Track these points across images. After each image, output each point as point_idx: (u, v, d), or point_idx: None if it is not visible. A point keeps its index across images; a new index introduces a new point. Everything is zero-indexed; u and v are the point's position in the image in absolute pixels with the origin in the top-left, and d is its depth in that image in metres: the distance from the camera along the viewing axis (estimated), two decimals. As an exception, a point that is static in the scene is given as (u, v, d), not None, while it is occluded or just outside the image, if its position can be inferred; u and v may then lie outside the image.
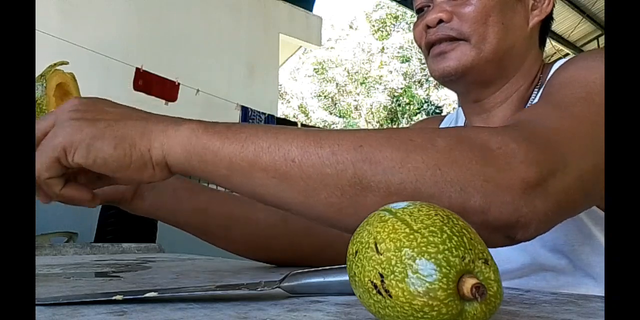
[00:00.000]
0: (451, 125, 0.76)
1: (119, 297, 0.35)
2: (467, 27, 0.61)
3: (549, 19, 0.67)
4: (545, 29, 0.67)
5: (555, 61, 0.64)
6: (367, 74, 16.27)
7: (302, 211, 0.40)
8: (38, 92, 0.53)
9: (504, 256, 0.57)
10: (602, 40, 7.15)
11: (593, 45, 7.31)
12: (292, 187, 0.38)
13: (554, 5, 0.66)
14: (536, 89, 0.65)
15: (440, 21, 0.62)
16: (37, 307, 0.33)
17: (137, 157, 0.40)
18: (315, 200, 0.38)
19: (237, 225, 0.63)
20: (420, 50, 0.69)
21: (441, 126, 0.76)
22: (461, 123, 0.74)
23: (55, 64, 0.56)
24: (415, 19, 0.69)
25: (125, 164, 0.40)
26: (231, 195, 0.63)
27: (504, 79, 0.64)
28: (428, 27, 0.63)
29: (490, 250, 0.58)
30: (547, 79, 0.58)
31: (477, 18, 0.60)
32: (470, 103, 0.68)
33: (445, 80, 0.64)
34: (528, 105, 0.64)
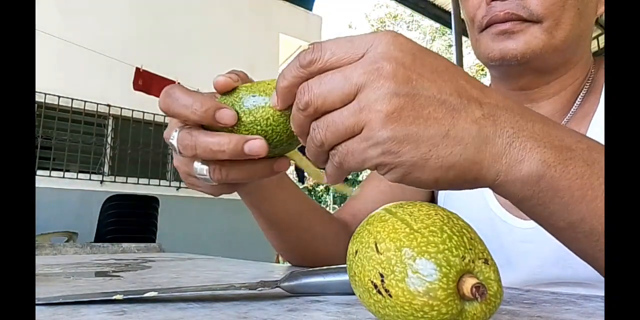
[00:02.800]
0: None
1: (119, 297, 0.35)
2: (543, 8, 0.54)
3: None
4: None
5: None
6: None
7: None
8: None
9: (535, 266, 0.56)
10: (602, 40, 7.15)
11: (593, 44, 7.30)
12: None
13: None
14: (587, 84, 0.61)
15: None
16: (37, 307, 0.33)
17: (458, 184, 0.32)
18: None
19: (298, 230, 0.60)
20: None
21: None
22: None
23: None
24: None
25: (441, 188, 0.33)
26: (307, 201, 0.60)
27: (563, 70, 0.59)
28: None
29: (522, 262, 0.56)
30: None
31: None
32: (515, 90, 0.62)
33: (503, 63, 0.56)
34: (577, 101, 0.60)
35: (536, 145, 0.31)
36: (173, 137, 0.39)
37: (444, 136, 0.30)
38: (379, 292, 0.23)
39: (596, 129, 0.57)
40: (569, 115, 0.60)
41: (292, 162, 0.43)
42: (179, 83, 5.13)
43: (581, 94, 0.60)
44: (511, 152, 0.31)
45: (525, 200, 0.33)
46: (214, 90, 0.40)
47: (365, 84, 0.29)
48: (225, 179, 0.39)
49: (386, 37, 0.30)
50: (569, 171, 0.31)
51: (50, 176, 4.93)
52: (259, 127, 0.37)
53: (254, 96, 0.37)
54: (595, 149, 0.33)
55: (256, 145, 0.36)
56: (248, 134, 0.37)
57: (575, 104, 0.60)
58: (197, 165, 0.40)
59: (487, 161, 0.31)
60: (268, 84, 0.37)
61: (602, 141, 0.55)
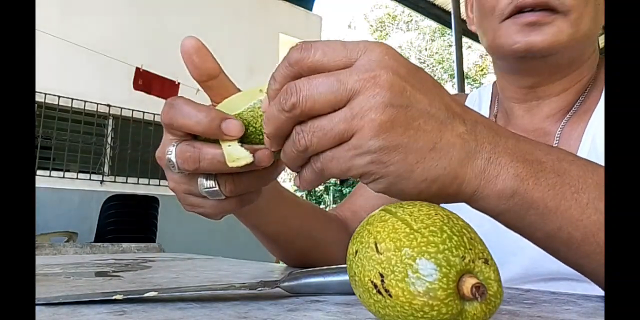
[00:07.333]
0: (474, 108, 0.70)
1: (119, 297, 0.35)
2: None
3: None
4: None
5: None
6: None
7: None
8: None
9: (535, 260, 0.56)
10: (602, 39, 7.13)
11: (593, 44, 7.29)
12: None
13: None
14: (591, 83, 0.61)
15: None
16: (37, 307, 0.33)
17: (439, 198, 0.32)
18: None
19: (299, 240, 0.60)
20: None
21: None
22: (485, 106, 0.70)
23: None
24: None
25: (422, 199, 0.31)
26: (306, 208, 0.60)
27: (574, 66, 0.59)
28: None
29: (523, 254, 0.56)
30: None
31: None
32: (524, 88, 0.62)
33: (526, 55, 0.55)
34: (580, 99, 0.61)
35: (509, 160, 0.32)
36: (170, 151, 0.37)
37: (431, 149, 0.30)
38: (379, 292, 0.23)
39: (595, 124, 0.58)
40: (570, 113, 0.61)
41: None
42: (179, 83, 5.11)
43: (585, 92, 0.61)
44: (489, 168, 0.32)
45: (502, 213, 0.34)
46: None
47: (360, 91, 0.29)
48: (238, 189, 0.38)
49: (380, 47, 0.30)
50: (540, 183, 0.32)
51: (50, 176, 4.93)
52: (260, 137, 0.35)
53: (250, 105, 0.35)
54: (565, 159, 0.34)
55: (266, 155, 0.35)
56: (249, 144, 0.35)
57: (577, 102, 0.61)
58: (202, 180, 0.38)
59: (468, 176, 0.31)
60: (260, 90, 0.36)
61: (599, 137, 0.55)
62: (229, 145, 0.35)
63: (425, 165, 0.30)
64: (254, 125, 0.35)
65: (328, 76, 0.29)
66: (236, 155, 0.35)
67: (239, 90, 0.42)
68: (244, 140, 0.36)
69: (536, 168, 0.32)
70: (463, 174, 0.31)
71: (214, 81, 0.41)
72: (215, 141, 0.36)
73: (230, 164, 0.35)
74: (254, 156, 0.35)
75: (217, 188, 0.38)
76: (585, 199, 0.33)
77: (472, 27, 0.66)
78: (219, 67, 0.41)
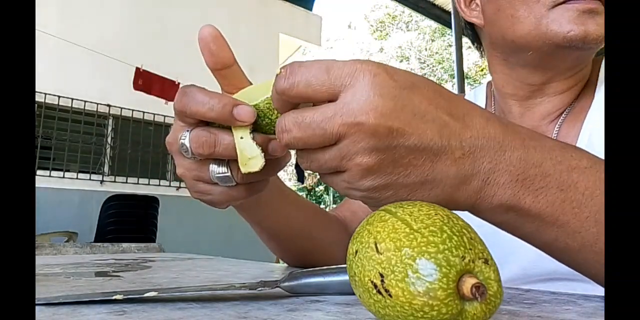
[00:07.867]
0: None
1: (119, 297, 0.35)
2: None
3: None
4: None
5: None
6: (366, 73, 16.39)
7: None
8: None
9: (534, 260, 0.56)
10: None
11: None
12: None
13: None
14: (586, 84, 0.61)
15: None
16: (37, 307, 0.33)
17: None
18: None
19: (300, 239, 0.60)
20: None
21: None
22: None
23: None
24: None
25: None
26: (308, 207, 0.60)
27: (586, 64, 0.59)
28: None
29: (522, 254, 0.57)
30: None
31: None
32: (532, 84, 0.60)
33: (576, 44, 0.53)
34: (576, 99, 0.61)
35: (509, 180, 0.32)
36: (184, 136, 0.37)
37: (423, 182, 0.30)
38: (379, 292, 0.23)
39: (591, 123, 0.58)
40: (565, 112, 0.61)
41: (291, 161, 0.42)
42: (179, 83, 5.12)
43: (581, 92, 0.61)
44: (485, 188, 0.32)
45: (498, 224, 0.34)
46: (214, 89, 0.39)
47: (345, 135, 0.29)
48: (249, 176, 0.38)
49: (366, 76, 0.29)
50: (539, 201, 0.32)
51: (50, 176, 4.93)
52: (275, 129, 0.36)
53: (267, 97, 0.35)
54: (577, 168, 0.33)
55: (279, 145, 0.36)
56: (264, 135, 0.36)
57: (573, 102, 0.62)
58: (214, 166, 0.38)
59: (462, 198, 0.32)
60: None
61: (595, 136, 0.56)
62: (242, 137, 0.35)
63: (417, 196, 0.31)
64: (269, 117, 0.36)
65: (314, 117, 0.30)
66: (248, 153, 0.35)
67: (250, 83, 0.43)
68: (258, 131, 0.36)
69: (538, 184, 0.32)
70: (457, 198, 0.32)
71: (228, 70, 0.41)
72: (228, 130, 0.36)
73: (243, 170, 0.35)
74: (267, 147, 0.36)
75: (229, 174, 0.38)
76: (586, 212, 0.33)
77: (474, 20, 0.63)
78: (234, 57, 0.41)
